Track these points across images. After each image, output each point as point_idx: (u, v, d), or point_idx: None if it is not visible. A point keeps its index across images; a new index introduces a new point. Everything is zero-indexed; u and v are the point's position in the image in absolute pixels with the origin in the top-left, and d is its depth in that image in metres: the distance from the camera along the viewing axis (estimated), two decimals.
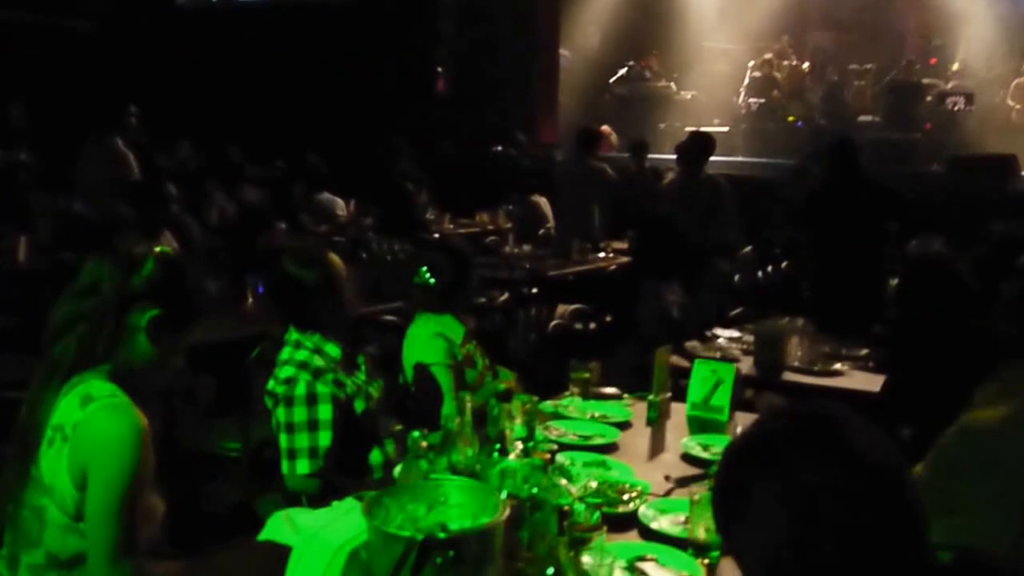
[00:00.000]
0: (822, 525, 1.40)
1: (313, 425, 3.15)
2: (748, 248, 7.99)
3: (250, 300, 5.27)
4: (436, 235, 8.33)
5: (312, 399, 3.15)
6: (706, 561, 2.32)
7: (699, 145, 7.92)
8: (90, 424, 2.27)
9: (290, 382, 3.17)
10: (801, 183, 8.96)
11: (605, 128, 14.48)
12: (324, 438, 3.13)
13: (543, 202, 9.52)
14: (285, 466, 3.13)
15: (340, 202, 9.26)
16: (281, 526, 2.33)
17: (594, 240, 8.31)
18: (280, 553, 2.15)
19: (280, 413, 3.17)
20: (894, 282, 5.91)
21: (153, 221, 6.02)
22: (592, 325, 5.38)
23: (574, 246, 8.24)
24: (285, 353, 3.27)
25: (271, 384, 3.25)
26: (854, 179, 6.24)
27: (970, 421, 2.58)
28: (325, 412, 3.17)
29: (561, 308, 6.01)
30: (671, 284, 5.04)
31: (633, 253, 5.35)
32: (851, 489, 1.41)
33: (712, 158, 7.96)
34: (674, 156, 8.10)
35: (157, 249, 2.44)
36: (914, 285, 3.70)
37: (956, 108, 12.64)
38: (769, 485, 1.45)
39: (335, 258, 3.46)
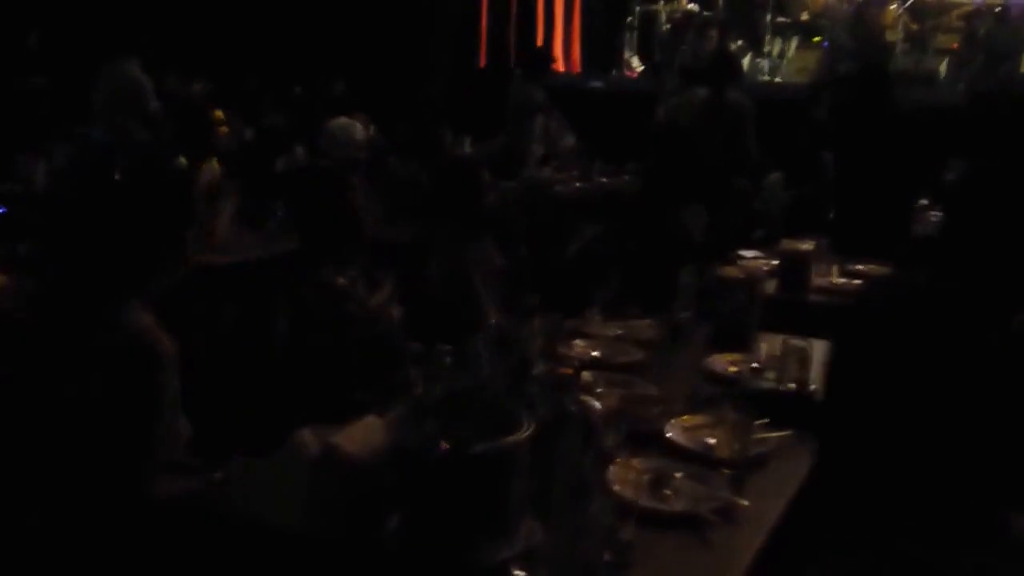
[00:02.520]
0: None
1: (334, 347, 3.15)
2: (776, 174, 7.88)
3: (269, 223, 5.27)
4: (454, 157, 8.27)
5: (336, 319, 3.14)
6: (731, 477, 2.31)
7: (722, 65, 7.80)
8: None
9: (311, 302, 3.16)
10: (821, 105, 8.83)
11: (626, 52, 14.32)
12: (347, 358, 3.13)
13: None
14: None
15: (359, 125, 9.17)
16: (303, 443, 2.33)
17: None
18: (304, 469, 2.15)
19: (302, 335, 3.17)
20: (924, 202, 5.83)
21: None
22: (614, 246, 5.33)
23: (595, 166, 8.18)
24: (306, 275, 3.26)
25: (292, 306, 3.24)
26: (888, 103, 6.11)
27: None
28: (346, 333, 3.16)
29: (583, 229, 5.96)
30: (693, 205, 4.99)
31: (655, 174, 5.27)
32: None
33: (736, 78, 7.84)
34: (697, 76, 7.98)
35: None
36: (972, 184, 3.61)
37: (983, 29, 12.40)
38: None
39: (354, 180, 3.44)
